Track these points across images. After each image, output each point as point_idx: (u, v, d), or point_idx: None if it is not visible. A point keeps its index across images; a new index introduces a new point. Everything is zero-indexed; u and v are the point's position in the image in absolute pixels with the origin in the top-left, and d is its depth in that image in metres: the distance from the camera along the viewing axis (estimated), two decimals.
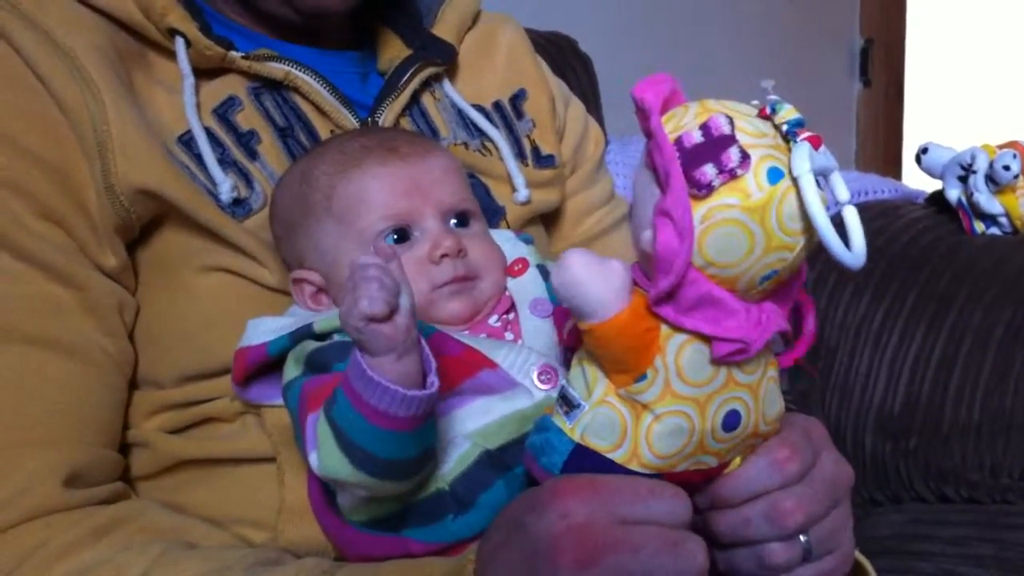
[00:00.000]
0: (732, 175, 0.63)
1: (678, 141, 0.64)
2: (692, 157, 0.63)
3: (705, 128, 0.64)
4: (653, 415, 0.69)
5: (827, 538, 0.75)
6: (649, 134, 0.65)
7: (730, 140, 0.63)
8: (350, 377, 0.72)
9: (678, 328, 0.67)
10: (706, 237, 0.64)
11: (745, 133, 0.64)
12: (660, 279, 0.65)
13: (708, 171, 0.63)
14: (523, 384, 0.83)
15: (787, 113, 0.65)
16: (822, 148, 0.65)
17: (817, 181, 0.64)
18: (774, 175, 0.64)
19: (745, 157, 0.63)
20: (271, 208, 0.93)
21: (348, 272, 0.70)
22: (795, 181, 0.63)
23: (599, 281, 0.66)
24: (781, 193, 0.63)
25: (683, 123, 0.65)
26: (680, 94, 0.68)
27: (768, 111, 0.66)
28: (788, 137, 0.65)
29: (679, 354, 0.67)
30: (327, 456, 0.74)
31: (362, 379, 0.71)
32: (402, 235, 0.87)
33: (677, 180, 0.63)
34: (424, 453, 0.77)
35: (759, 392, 0.71)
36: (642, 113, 0.65)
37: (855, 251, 0.63)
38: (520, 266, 0.92)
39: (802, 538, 0.74)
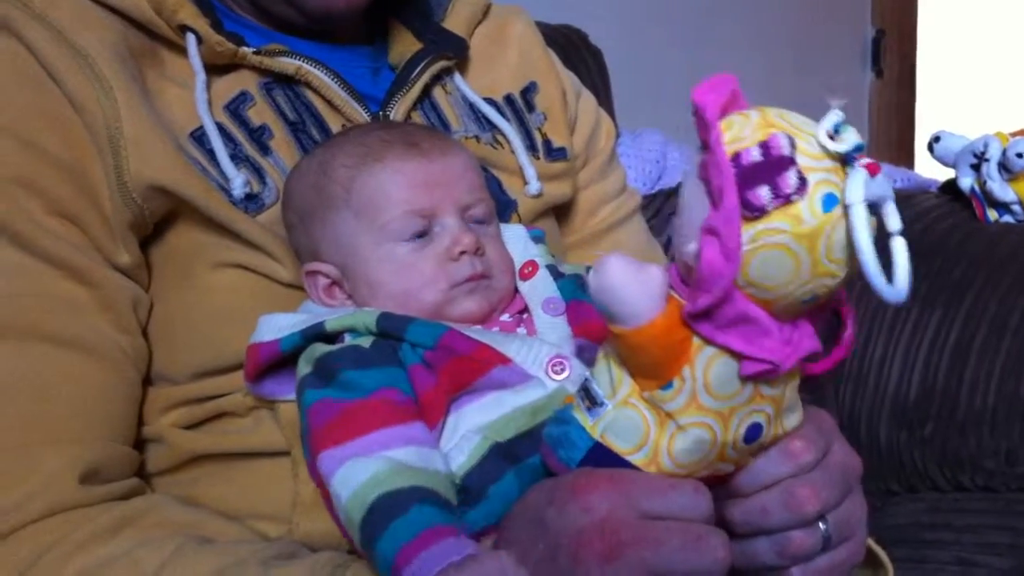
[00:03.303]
0: (787, 200, 0.61)
1: (735, 157, 0.62)
2: (748, 177, 0.61)
3: (765, 147, 0.62)
4: (676, 425, 0.68)
5: (842, 526, 0.75)
6: (707, 146, 0.63)
7: (789, 162, 0.61)
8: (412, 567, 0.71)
9: (710, 342, 0.66)
10: (752, 259, 0.62)
11: (804, 155, 0.62)
12: (700, 296, 0.63)
13: (763, 195, 0.61)
14: (536, 376, 0.83)
15: (850, 136, 0.63)
16: (880, 176, 0.62)
17: (871, 208, 0.62)
18: (828, 202, 0.62)
19: (802, 182, 0.61)
20: (285, 196, 0.93)
21: None
22: (847, 209, 0.61)
23: (636, 288, 0.65)
24: (834, 221, 0.62)
25: (742, 135, 0.63)
26: (740, 97, 0.66)
27: (831, 130, 0.63)
28: (847, 161, 0.63)
29: (708, 367, 0.66)
30: (350, 519, 0.76)
31: None
32: (421, 231, 0.87)
33: (731, 200, 0.61)
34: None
35: (782, 404, 0.70)
36: (701, 121, 0.63)
37: (897, 285, 0.61)
38: (530, 268, 0.92)
39: (822, 526, 0.73)
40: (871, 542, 0.83)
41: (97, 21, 0.92)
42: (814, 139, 0.63)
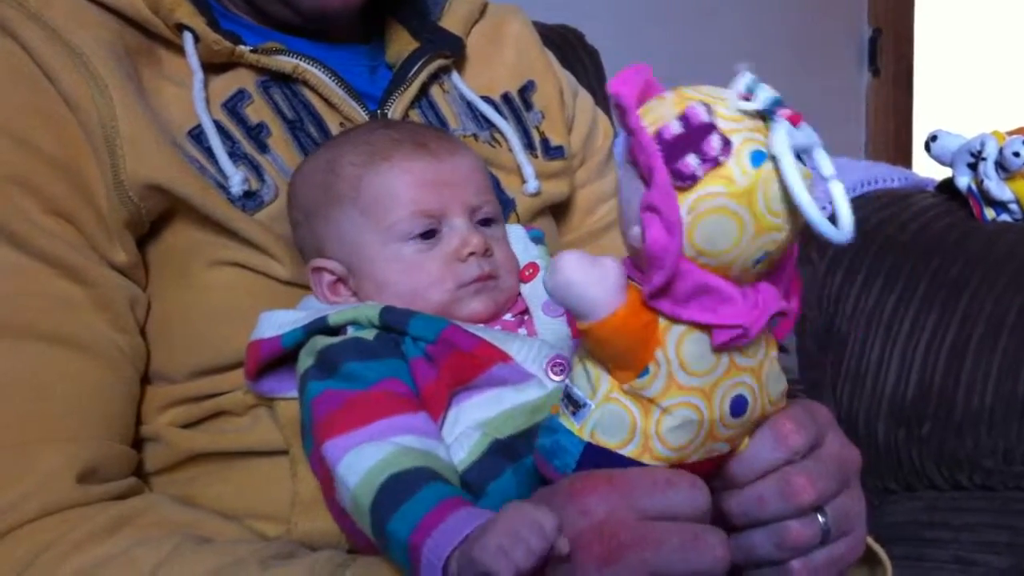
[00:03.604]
0: (715, 163, 0.62)
1: (658, 134, 0.63)
2: (673, 149, 0.63)
3: (684, 118, 0.63)
4: (661, 409, 0.68)
5: (841, 520, 0.75)
6: (629, 130, 0.64)
7: (710, 128, 0.63)
8: (429, 541, 0.69)
9: (676, 320, 0.66)
10: (695, 228, 0.63)
11: (724, 119, 0.64)
12: (653, 275, 0.64)
13: (691, 162, 0.62)
14: (536, 376, 0.83)
15: (764, 93, 0.64)
16: (802, 125, 0.64)
17: (801, 158, 0.63)
18: (757, 158, 0.63)
19: (726, 144, 0.63)
20: (290, 194, 0.93)
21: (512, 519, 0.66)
22: (775, 161, 0.63)
23: (593, 281, 0.66)
24: (766, 175, 0.63)
25: (661, 115, 0.64)
26: (656, 84, 0.67)
27: (745, 92, 0.65)
28: (767, 116, 0.64)
29: (679, 345, 0.67)
30: (358, 504, 0.75)
31: (433, 562, 0.68)
32: (429, 231, 0.87)
33: (660, 174, 0.63)
34: None
35: (762, 373, 0.70)
36: (619, 109, 0.64)
37: (842, 226, 0.63)
38: (531, 271, 0.92)
39: (821, 519, 0.73)
40: (870, 540, 0.83)
41: (92, 20, 0.92)
42: (730, 103, 0.64)
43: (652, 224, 0.63)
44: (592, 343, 0.68)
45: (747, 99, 0.65)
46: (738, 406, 0.69)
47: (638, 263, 0.67)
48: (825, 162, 0.65)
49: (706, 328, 0.66)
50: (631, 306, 0.66)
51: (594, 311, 0.66)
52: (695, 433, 0.69)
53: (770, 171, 0.63)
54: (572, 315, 0.67)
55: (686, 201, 0.63)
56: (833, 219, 0.63)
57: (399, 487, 0.73)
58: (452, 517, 0.70)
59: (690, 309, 0.66)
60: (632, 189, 0.66)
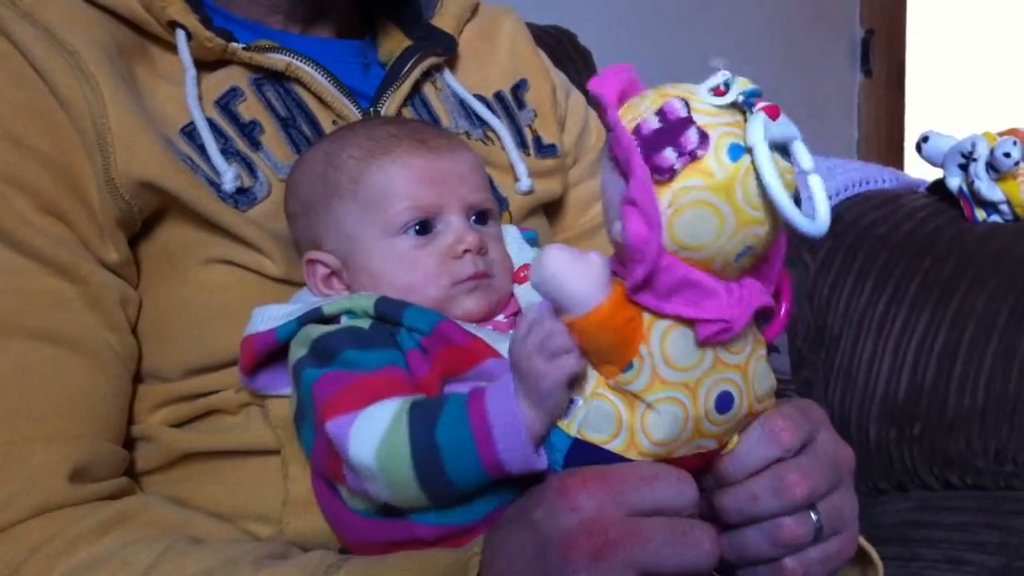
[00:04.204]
0: (693, 156, 0.63)
1: (636, 129, 0.64)
2: (651, 143, 0.64)
3: (661, 113, 0.64)
4: (646, 404, 0.69)
5: (834, 518, 0.75)
6: (607, 126, 0.65)
7: (687, 122, 0.64)
8: (489, 410, 0.72)
9: (659, 314, 0.67)
10: (675, 221, 0.64)
11: (702, 113, 0.64)
12: (635, 268, 0.65)
13: (668, 155, 0.63)
14: None
15: (741, 85, 0.65)
16: (782, 117, 0.64)
17: (780, 150, 0.64)
18: (735, 152, 0.64)
19: (704, 137, 0.63)
20: (289, 186, 0.93)
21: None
22: (752, 152, 0.63)
23: (578, 275, 0.66)
24: (744, 168, 0.64)
25: (640, 111, 0.65)
26: (638, 83, 0.68)
27: (722, 88, 0.65)
28: (745, 109, 0.65)
29: (663, 340, 0.68)
30: (391, 450, 0.74)
31: (508, 424, 0.71)
32: (425, 227, 0.87)
33: (639, 168, 0.63)
34: (472, 491, 0.77)
35: (748, 371, 0.71)
36: (599, 106, 0.65)
37: (818, 219, 0.63)
38: (526, 272, 0.92)
39: (813, 516, 0.74)
40: (862, 540, 0.83)
41: (86, 19, 0.92)
42: (709, 98, 0.65)
43: (631, 217, 0.64)
44: (577, 337, 0.69)
45: (724, 94, 0.65)
46: (724, 403, 0.70)
47: (622, 258, 0.67)
48: (804, 155, 0.65)
49: (690, 323, 0.67)
50: (615, 301, 0.67)
51: (578, 305, 0.67)
52: (680, 428, 0.70)
53: (749, 165, 0.64)
54: (557, 309, 0.68)
55: (666, 195, 0.64)
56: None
57: (426, 407, 0.75)
58: (494, 385, 0.73)
59: (673, 303, 0.66)
60: (613, 185, 0.67)
